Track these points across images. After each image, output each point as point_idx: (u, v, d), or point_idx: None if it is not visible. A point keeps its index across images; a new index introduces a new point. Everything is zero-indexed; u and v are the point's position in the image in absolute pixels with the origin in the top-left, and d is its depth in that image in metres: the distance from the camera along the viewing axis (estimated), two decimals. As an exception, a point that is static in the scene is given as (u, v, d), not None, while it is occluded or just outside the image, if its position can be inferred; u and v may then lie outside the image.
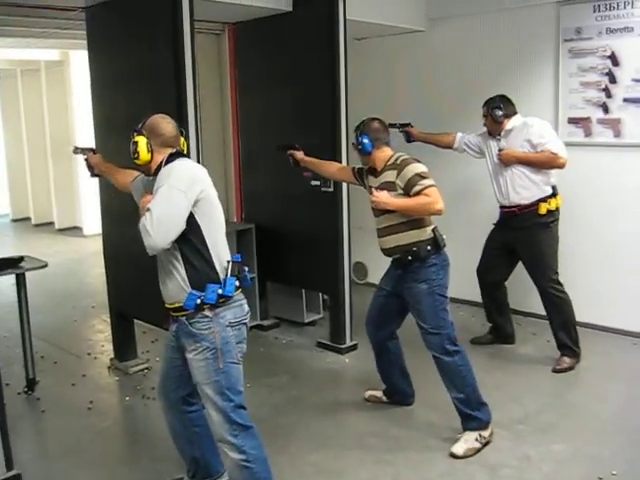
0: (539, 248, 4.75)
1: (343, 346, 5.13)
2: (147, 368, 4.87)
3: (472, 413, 3.71)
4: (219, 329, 2.80)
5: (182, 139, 3.01)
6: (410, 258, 3.67)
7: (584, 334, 5.08)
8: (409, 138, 5.20)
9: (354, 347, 5.14)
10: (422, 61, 6.17)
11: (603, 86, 5.18)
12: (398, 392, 4.24)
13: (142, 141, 2.85)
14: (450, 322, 3.74)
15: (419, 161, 3.66)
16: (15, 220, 11.79)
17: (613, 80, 5.12)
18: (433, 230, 3.68)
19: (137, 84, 4.33)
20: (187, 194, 2.70)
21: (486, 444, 3.69)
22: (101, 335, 5.67)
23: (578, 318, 4.83)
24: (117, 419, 4.19)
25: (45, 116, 10.83)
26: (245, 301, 2.94)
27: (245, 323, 2.92)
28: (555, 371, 4.69)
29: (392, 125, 4.86)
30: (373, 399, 4.29)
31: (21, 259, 4.28)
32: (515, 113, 4.76)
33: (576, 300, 4.83)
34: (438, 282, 3.68)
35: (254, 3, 4.78)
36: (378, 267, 6.74)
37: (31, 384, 4.53)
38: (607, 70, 5.14)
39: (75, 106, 10.22)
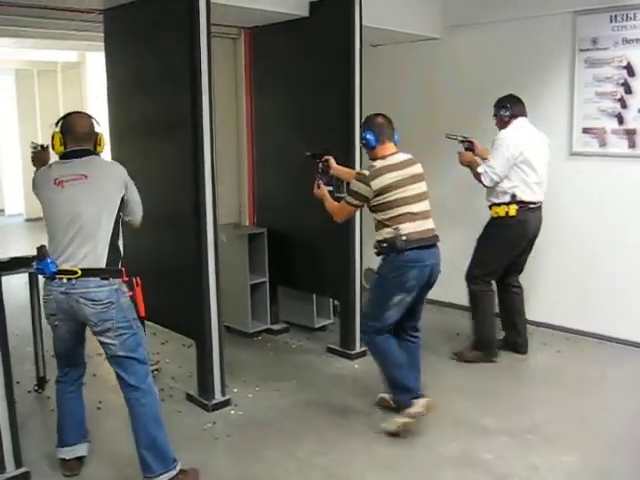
0: (478, 242, 5.01)
1: (353, 352, 5.12)
2: (157, 370, 4.87)
3: (393, 393, 4.04)
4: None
5: (99, 135, 3.38)
6: (376, 251, 3.93)
7: (594, 345, 5.07)
8: (472, 149, 5.13)
9: (364, 353, 5.12)
10: (438, 68, 6.17)
11: (618, 96, 5.16)
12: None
13: (56, 137, 3.28)
14: (387, 319, 3.88)
15: (374, 176, 3.78)
16: (29, 220, 11.86)
17: (629, 90, 5.11)
18: (395, 230, 3.79)
19: (153, 87, 4.36)
20: (36, 194, 3.31)
21: (414, 417, 3.88)
22: (112, 336, 5.68)
23: (589, 329, 4.81)
24: (126, 419, 4.16)
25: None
26: (54, 284, 3.20)
27: (46, 302, 3.29)
28: (456, 357, 5.06)
29: (451, 137, 5.11)
30: (384, 402, 4.27)
31: (34, 258, 4.29)
32: (523, 114, 4.85)
33: (589, 310, 4.82)
34: (390, 278, 3.85)
35: (271, 8, 4.80)
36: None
37: (41, 383, 4.56)
38: (623, 80, 5.13)
39: (91, 107, 10.27)
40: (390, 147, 3.91)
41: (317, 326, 5.69)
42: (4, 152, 12.40)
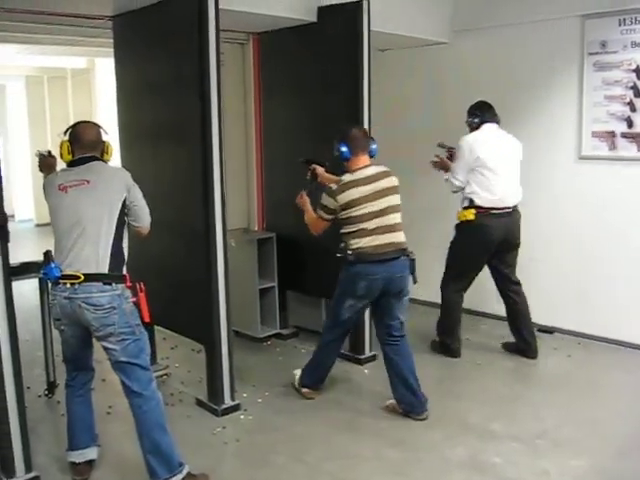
0: (449, 247, 5.14)
1: (362, 357, 5.12)
2: (166, 374, 4.90)
3: (303, 372, 4.55)
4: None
5: (106, 144, 3.45)
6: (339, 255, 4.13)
7: (605, 350, 5.05)
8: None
9: (373, 358, 5.12)
10: (446, 73, 6.16)
11: (628, 100, 5.15)
12: (402, 402, 4.22)
13: (64, 145, 3.36)
14: (340, 318, 4.23)
15: (340, 191, 3.96)
16: (39, 225, 11.90)
17: (638, 94, 5.09)
18: (345, 244, 4.01)
19: (162, 92, 4.37)
20: (46, 200, 3.37)
21: (297, 391, 4.54)
22: (121, 340, 5.70)
23: (600, 333, 4.80)
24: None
25: (71, 123, 10.92)
26: (58, 289, 3.23)
27: (51, 307, 3.36)
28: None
29: (441, 146, 5.22)
30: (391, 407, 4.27)
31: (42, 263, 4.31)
32: (493, 120, 4.94)
33: (600, 315, 4.80)
34: (344, 284, 4.13)
35: (279, 14, 4.81)
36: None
37: (52, 387, 4.58)
38: (632, 84, 5.11)
39: (100, 113, 10.32)
40: (362, 160, 4.05)
41: (327, 331, 5.68)
42: (14, 158, 12.46)
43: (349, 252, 3.98)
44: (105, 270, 3.22)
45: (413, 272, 4.10)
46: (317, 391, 4.54)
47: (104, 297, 3.19)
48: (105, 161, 3.42)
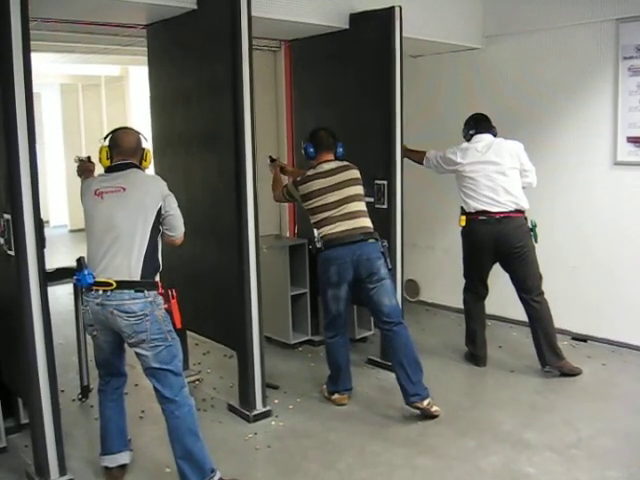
0: None
1: (393, 363, 5.09)
2: (198, 380, 4.92)
3: (328, 380, 4.61)
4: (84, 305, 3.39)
5: (146, 150, 3.50)
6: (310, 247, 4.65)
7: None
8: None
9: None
10: (478, 79, 6.11)
11: (664, 104, 5.07)
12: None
13: (103, 150, 3.40)
14: (331, 312, 4.41)
15: (303, 182, 4.35)
16: (73, 231, 12.05)
17: (674, 99, 5.02)
18: (316, 233, 4.33)
19: (195, 101, 4.41)
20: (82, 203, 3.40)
21: (330, 401, 4.54)
22: (154, 346, 5.73)
23: (635, 341, 4.72)
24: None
25: (105, 130, 11.07)
26: (91, 296, 3.25)
27: (84, 313, 3.38)
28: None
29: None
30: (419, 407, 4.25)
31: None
32: (487, 131, 4.99)
33: (636, 323, 4.73)
34: (320, 275, 4.42)
35: (311, 21, 4.81)
36: (430, 285, 6.76)
37: (85, 391, 4.62)
38: (668, 88, 5.04)
39: (134, 120, 10.43)
40: (325, 156, 4.41)
41: (358, 337, 5.67)
42: (50, 165, 12.64)
43: (318, 240, 4.30)
44: (137, 277, 3.24)
45: (386, 257, 4.31)
46: (347, 395, 4.57)
47: (136, 304, 3.22)
48: (143, 168, 3.45)
